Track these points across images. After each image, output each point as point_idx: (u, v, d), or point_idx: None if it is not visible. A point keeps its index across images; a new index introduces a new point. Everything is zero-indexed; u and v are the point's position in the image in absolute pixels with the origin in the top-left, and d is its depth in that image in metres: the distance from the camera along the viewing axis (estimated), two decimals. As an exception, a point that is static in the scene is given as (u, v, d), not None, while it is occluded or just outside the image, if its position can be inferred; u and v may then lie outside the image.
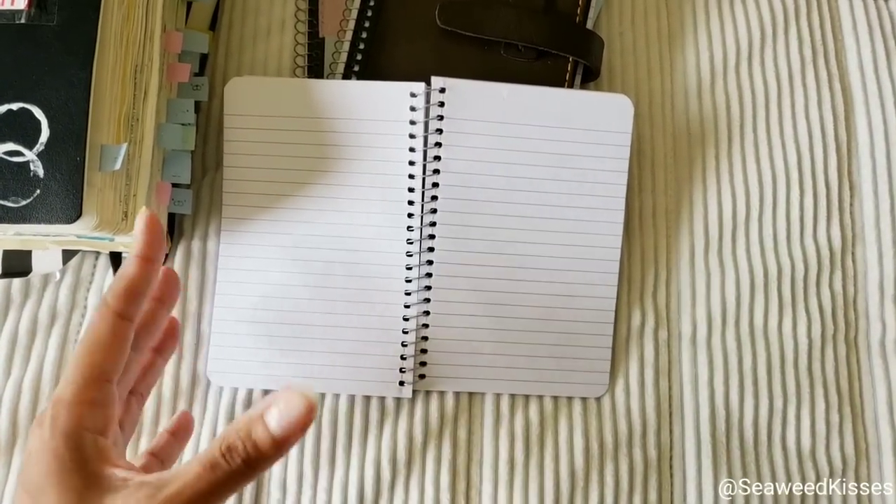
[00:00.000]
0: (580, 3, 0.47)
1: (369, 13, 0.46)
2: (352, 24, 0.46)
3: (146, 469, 0.38)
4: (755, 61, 0.50)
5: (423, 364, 0.44)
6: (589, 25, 0.47)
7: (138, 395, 0.38)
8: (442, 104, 0.43)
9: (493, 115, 0.43)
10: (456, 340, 0.44)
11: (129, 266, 0.33)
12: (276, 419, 0.27)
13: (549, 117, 0.44)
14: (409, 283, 0.43)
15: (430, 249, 0.44)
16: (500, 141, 0.44)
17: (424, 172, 0.43)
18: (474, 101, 0.43)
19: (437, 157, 0.43)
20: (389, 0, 0.47)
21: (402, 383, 0.43)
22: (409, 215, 0.43)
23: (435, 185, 0.43)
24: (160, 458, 0.39)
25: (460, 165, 0.44)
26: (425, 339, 0.44)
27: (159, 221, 0.35)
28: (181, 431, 0.41)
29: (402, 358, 0.43)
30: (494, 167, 0.44)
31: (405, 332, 0.43)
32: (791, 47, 0.50)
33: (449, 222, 0.44)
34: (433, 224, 0.44)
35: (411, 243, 0.43)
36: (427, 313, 0.44)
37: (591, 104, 0.44)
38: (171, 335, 0.41)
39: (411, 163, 0.43)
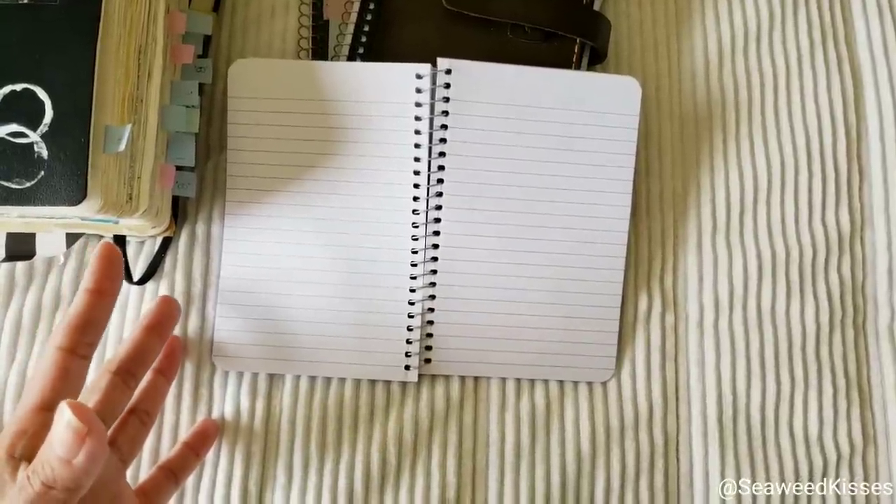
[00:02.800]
0: (587, -16, 0.47)
1: (375, -5, 0.46)
2: (356, 6, 0.46)
3: (153, 484, 0.39)
4: (763, 43, 0.49)
5: (429, 348, 0.43)
6: (596, 7, 0.47)
7: (142, 412, 0.39)
8: (448, 86, 0.43)
9: (500, 97, 0.43)
10: (462, 325, 0.43)
11: (76, 299, 0.35)
12: (57, 442, 0.28)
13: (556, 99, 0.43)
14: (414, 267, 0.43)
15: (436, 233, 0.43)
16: (506, 123, 0.43)
17: (430, 155, 0.43)
18: (480, 82, 0.43)
19: (443, 140, 0.43)
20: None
21: (407, 367, 0.43)
22: (415, 198, 0.43)
23: (441, 167, 0.43)
24: (174, 471, 0.40)
25: (466, 148, 0.43)
26: (431, 323, 0.43)
27: (117, 252, 0.36)
28: (199, 444, 0.41)
29: (408, 342, 0.43)
30: (500, 149, 0.43)
31: (411, 317, 0.43)
32: (800, 29, 0.49)
33: (455, 205, 0.43)
34: (439, 207, 0.43)
35: (417, 227, 0.43)
36: (433, 297, 0.43)
37: (599, 86, 0.44)
38: (173, 357, 0.42)
39: (417, 145, 0.43)
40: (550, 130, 0.43)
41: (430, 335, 0.43)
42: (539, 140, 0.43)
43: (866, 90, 0.49)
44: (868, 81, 0.49)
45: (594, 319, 0.44)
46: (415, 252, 0.43)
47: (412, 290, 0.43)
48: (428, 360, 0.43)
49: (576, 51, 0.46)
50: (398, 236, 0.43)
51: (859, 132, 0.48)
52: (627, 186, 0.44)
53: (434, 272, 0.43)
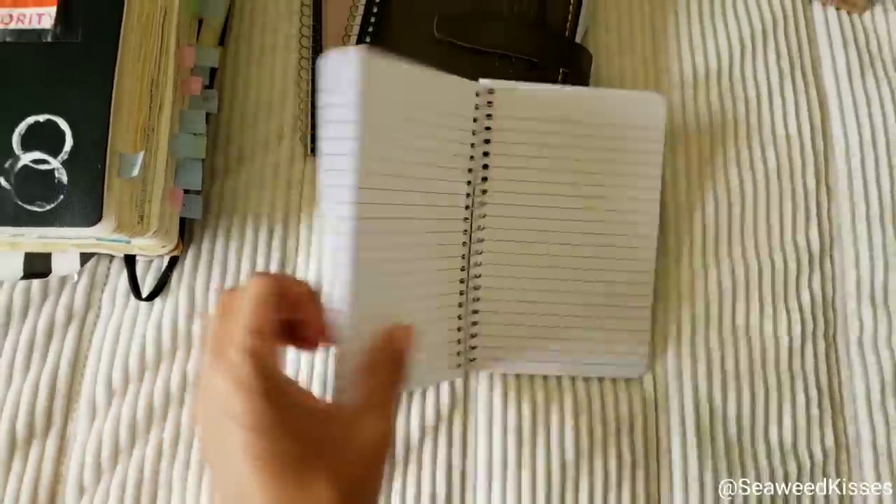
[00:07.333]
0: (569, 18, 0.49)
1: (370, 29, 0.48)
2: (353, 41, 0.48)
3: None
4: (736, 73, 0.52)
5: (473, 348, 0.45)
6: (578, 39, 0.49)
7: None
8: (490, 104, 0.44)
9: (537, 113, 0.45)
10: (503, 325, 0.45)
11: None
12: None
13: (587, 115, 0.45)
14: (462, 272, 0.44)
15: (480, 241, 0.44)
16: (542, 137, 0.45)
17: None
18: (519, 101, 0.44)
19: (486, 154, 0.44)
20: (391, 16, 0.49)
21: (458, 366, 0.44)
22: (467, 207, 0.44)
23: (484, 179, 0.44)
24: None
25: (508, 161, 0.44)
26: (475, 324, 0.45)
27: None
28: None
29: (458, 342, 0.44)
30: (539, 162, 0.45)
31: (459, 318, 0.44)
32: (769, 60, 0.52)
33: (496, 226, 0.45)
34: (481, 228, 0.44)
35: (464, 244, 0.44)
36: (477, 300, 0.45)
37: (626, 102, 0.46)
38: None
39: (471, 157, 0.44)
40: (583, 144, 0.45)
41: (474, 335, 0.45)
42: (573, 152, 0.45)
43: (832, 113, 0.51)
44: (833, 106, 0.51)
45: (627, 319, 0.46)
46: (463, 257, 0.44)
47: (461, 293, 0.44)
48: (472, 360, 0.45)
49: (559, 80, 0.48)
50: (449, 244, 0.44)
51: (826, 155, 0.50)
52: (655, 194, 0.46)
53: (478, 276, 0.45)
